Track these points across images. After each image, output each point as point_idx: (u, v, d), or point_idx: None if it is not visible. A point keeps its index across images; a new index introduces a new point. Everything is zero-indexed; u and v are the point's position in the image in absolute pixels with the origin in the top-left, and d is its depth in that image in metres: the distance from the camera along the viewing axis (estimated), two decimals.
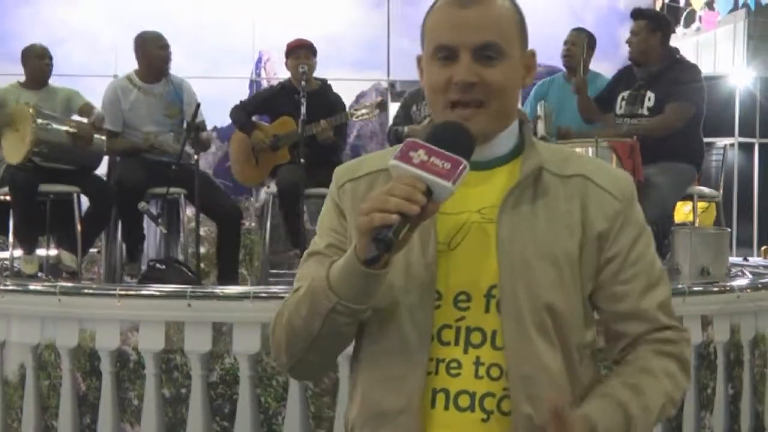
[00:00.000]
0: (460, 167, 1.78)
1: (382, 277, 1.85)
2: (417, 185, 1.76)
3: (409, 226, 1.78)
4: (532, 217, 1.98)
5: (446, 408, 1.95)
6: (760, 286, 5.34)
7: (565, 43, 7.23)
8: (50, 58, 6.98)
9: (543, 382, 1.93)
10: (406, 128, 7.05)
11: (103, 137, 6.72)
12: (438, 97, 2.00)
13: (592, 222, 2.00)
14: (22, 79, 7.01)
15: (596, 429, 1.86)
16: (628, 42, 6.53)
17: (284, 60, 7.32)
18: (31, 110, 6.37)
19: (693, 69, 6.61)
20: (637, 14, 6.63)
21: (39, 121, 6.37)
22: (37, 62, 6.92)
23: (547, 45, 7.96)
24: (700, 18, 14.28)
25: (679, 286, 5.02)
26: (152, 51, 7.01)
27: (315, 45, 7.17)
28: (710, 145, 8.27)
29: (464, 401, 1.94)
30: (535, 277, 1.95)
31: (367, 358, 2.03)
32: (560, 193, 2.01)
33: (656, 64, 6.39)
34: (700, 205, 7.73)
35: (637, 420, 1.92)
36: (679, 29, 14.38)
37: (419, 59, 2.10)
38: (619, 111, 6.41)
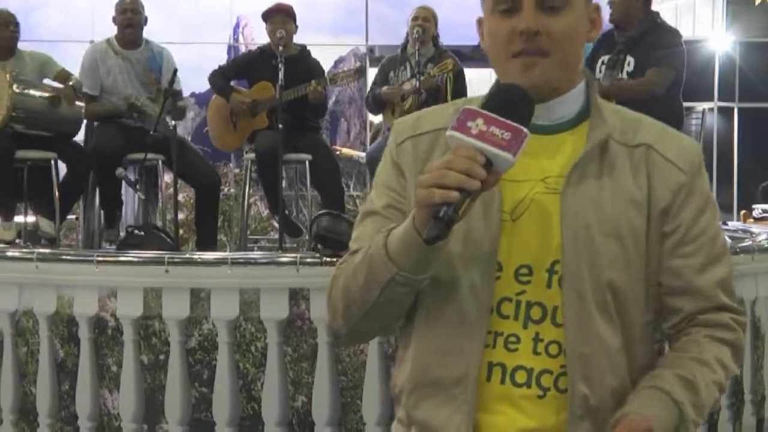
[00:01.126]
0: (521, 136, 1.71)
1: (443, 247, 1.80)
2: (476, 158, 1.70)
3: (469, 199, 1.73)
4: (598, 192, 1.92)
5: (502, 382, 1.91)
6: (738, 250, 5.34)
7: None
8: (16, 24, 6.88)
9: (601, 362, 1.90)
10: (384, 89, 7.05)
11: (82, 104, 6.68)
12: (500, 49, 1.94)
13: (657, 196, 1.95)
14: None
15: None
16: (610, 3, 6.51)
17: (262, 25, 7.29)
18: (8, 76, 6.32)
19: (674, 33, 6.60)
20: None
21: (15, 86, 6.31)
22: (3, 30, 6.79)
23: None
24: None
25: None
26: (116, 17, 6.97)
27: (294, 10, 7.14)
28: (689, 109, 8.26)
29: (521, 377, 1.91)
30: (599, 254, 1.90)
31: (422, 325, 1.98)
32: (627, 165, 1.95)
33: (637, 27, 6.38)
34: None
35: (689, 421, 1.87)
36: None
37: (480, 21, 2.03)
38: (598, 75, 6.40)
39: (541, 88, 1.91)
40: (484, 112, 1.74)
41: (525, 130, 1.72)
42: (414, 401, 1.99)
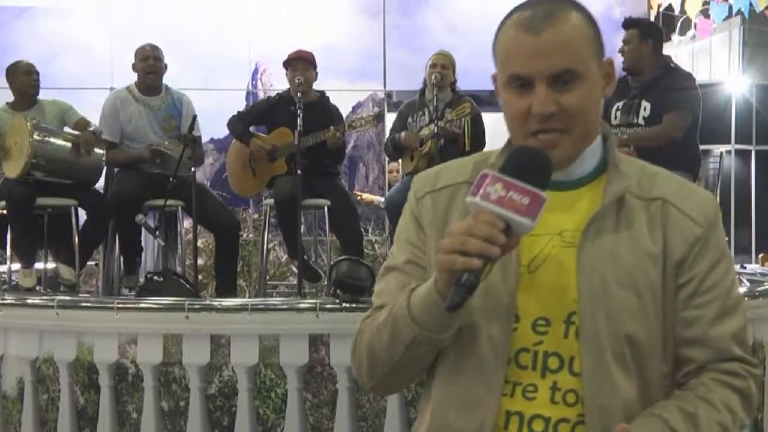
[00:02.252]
0: (540, 201, 1.73)
1: (462, 309, 1.81)
2: (496, 223, 1.73)
3: (490, 264, 1.75)
4: (615, 245, 1.93)
5: (519, 430, 1.92)
6: (757, 293, 5.33)
7: None
8: (37, 73, 6.94)
9: (618, 412, 1.89)
10: (402, 134, 7.06)
11: (102, 151, 6.72)
12: (517, 126, 1.95)
13: (673, 249, 1.96)
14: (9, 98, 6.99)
15: None
16: (621, 51, 6.54)
17: (281, 71, 7.34)
18: (29, 124, 6.37)
19: (687, 76, 6.61)
20: (628, 23, 6.64)
21: (36, 135, 6.36)
22: (26, 78, 6.86)
23: None
24: (695, 26, 14.30)
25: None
26: (136, 64, 7.03)
27: (314, 57, 7.19)
28: (707, 152, 8.25)
29: (538, 425, 1.91)
30: (616, 305, 1.91)
31: (443, 377, 2.00)
32: (643, 219, 1.97)
33: (649, 72, 6.39)
34: None
35: None
36: (675, 37, 14.41)
37: (495, 78, 2.03)
38: (614, 122, 6.41)
39: (561, 161, 1.94)
40: (503, 177, 1.76)
41: (543, 194, 1.74)
42: None
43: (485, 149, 3.98)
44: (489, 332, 1.93)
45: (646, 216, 1.97)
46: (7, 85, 6.93)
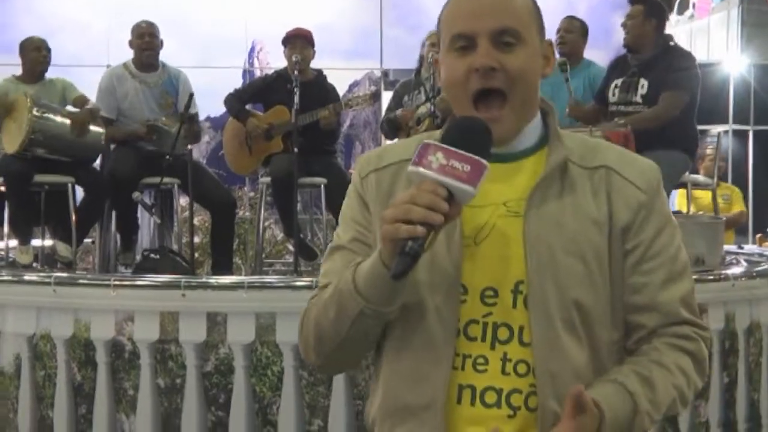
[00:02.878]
0: (481, 168, 1.76)
1: (409, 279, 1.83)
2: (438, 191, 1.74)
3: (434, 231, 1.77)
4: (560, 212, 1.95)
5: (472, 404, 1.93)
6: (755, 274, 5.34)
7: (558, 30, 7.23)
8: (48, 50, 6.96)
9: (570, 379, 1.91)
10: (398, 111, 7.05)
11: (101, 129, 6.71)
12: (459, 90, 1.98)
13: (617, 215, 1.98)
14: (17, 70, 7.00)
15: (604, 416, 1.84)
16: (623, 25, 6.52)
17: (277, 49, 7.33)
18: (28, 100, 6.36)
19: (687, 56, 6.60)
20: None
21: (35, 110, 6.36)
22: (35, 54, 6.89)
23: None
24: (694, 5, 14.28)
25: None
26: (132, 41, 7.03)
27: (312, 35, 7.18)
28: (704, 132, 8.27)
29: (491, 397, 1.92)
30: (563, 273, 1.92)
31: (391, 353, 2.01)
32: (586, 186, 1.99)
33: (650, 50, 6.38)
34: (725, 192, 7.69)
35: (643, 413, 1.89)
36: (673, 16, 14.38)
37: (436, 61, 2.08)
38: (612, 99, 6.41)
39: (503, 136, 1.96)
40: (444, 146, 1.77)
41: (484, 162, 1.76)
42: (387, 429, 2.02)
43: None
44: (436, 306, 1.94)
45: (590, 184, 2.00)
46: (9, 62, 6.94)
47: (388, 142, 9.18)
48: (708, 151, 8.57)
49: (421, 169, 1.76)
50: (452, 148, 1.77)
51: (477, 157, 1.76)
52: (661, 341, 1.99)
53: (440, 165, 1.75)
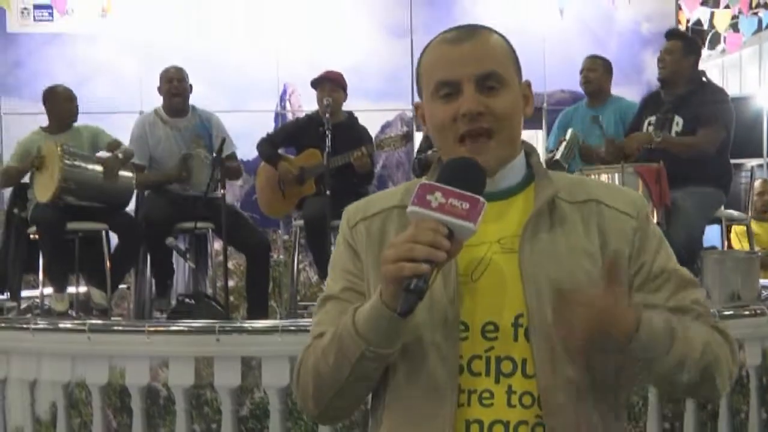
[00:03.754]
0: (479, 205, 1.79)
1: (411, 319, 1.85)
2: (439, 229, 1.77)
3: (436, 269, 1.79)
4: (552, 245, 1.99)
5: None
6: None
7: (582, 70, 7.24)
8: (76, 99, 7.01)
9: (574, 407, 1.93)
10: (429, 152, 7.05)
11: (131, 174, 6.75)
12: (446, 133, 2.02)
13: (612, 246, 2.02)
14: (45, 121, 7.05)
15: (641, 320, 1.86)
16: (660, 60, 6.51)
17: (309, 92, 7.36)
18: (59, 149, 6.40)
19: (720, 91, 6.58)
20: (672, 34, 6.64)
21: (66, 159, 6.40)
22: (66, 105, 6.93)
23: (571, 71, 7.98)
24: (725, 40, 14.24)
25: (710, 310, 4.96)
26: (161, 87, 7.08)
27: (343, 78, 7.20)
28: (738, 166, 8.22)
29: (498, 430, 1.93)
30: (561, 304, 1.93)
31: (394, 395, 2.02)
32: (577, 219, 2.03)
33: (684, 86, 6.37)
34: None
35: (680, 338, 1.90)
36: (704, 51, 14.35)
37: (417, 106, 2.13)
38: None
39: (488, 168, 1.98)
40: (441, 185, 1.81)
41: (482, 199, 1.80)
42: None
43: None
44: (436, 344, 1.96)
45: (580, 217, 2.04)
46: (40, 110, 6.99)
47: None
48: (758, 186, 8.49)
49: (421, 209, 1.79)
50: (449, 187, 1.80)
51: (474, 195, 1.80)
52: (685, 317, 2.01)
53: (439, 204, 1.78)
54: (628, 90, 8.25)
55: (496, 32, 2.08)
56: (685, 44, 6.47)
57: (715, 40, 14.50)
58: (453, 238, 1.78)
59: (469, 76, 1.98)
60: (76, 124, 7.01)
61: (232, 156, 7.04)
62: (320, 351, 1.99)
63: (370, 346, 1.89)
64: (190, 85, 7.15)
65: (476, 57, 2.00)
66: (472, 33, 2.04)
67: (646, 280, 2.03)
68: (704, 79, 6.63)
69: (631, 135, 6.34)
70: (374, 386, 2.04)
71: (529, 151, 2.13)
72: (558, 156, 6.45)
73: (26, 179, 6.78)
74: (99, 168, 6.58)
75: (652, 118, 6.39)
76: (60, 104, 6.93)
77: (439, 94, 2.02)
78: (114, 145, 6.89)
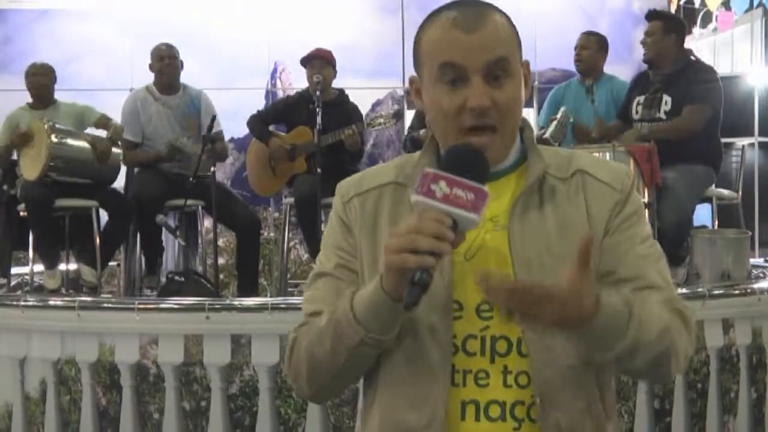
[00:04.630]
0: (483, 196, 1.76)
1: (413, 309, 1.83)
2: (443, 220, 1.74)
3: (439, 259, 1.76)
4: (542, 221, 1.97)
5: (477, 419, 1.93)
6: None
7: (576, 47, 7.22)
8: (47, 73, 6.99)
9: (568, 385, 1.92)
10: (421, 132, 7.04)
11: (119, 150, 6.74)
12: (449, 122, 1.97)
13: (596, 217, 2.00)
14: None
15: (600, 303, 1.78)
16: (643, 43, 6.53)
17: (300, 70, 7.35)
18: (46, 126, 6.39)
19: (708, 70, 6.58)
20: (652, 15, 6.62)
21: (54, 136, 6.39)
22: (41, 80, 6.92)
23: (562, 50, 7.99)
24: (716, 18, 14.22)
25: (699, 289, 4.98)
26: (153, 64, 7.06)
27: (333, 55, 7.19)
28: (729, 145, 8.19)
29: (495, 411, 1.92)
30: (552, 277, 1.89)
31: (387, 375, 2.00)
32: (564, 194, 2.01)
33: (671, 66, 6.37)
34: None
35: (637, 320, 1.84)
36: (696, 30, 14.34)
37: (413, 80, 2.08)
38: (635, 116, 6.39)
39: (491, 161, 1.94)
40: (446, 174, 1.77)
41: (486, 189, 1.77)
42: None
43: None
44: (430, 325, 1.94)
45: (567, 190, 2.02)
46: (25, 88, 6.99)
47: None
48: None
49: (426, 199, 1.75)
50: (455, 177, 1.77)
51: (479, 185, 1.77)
52: (652, 299, 1.96)
53: (444, 194, 1.75)
54: (619, 68, 8.23)
55: (498, 11, 2.01)
56: (664, 24, 6.47)
57: (707, 18, 14.49)
58: (456, 228, 1.76)
59: (478, 64, 1.92)
60: (62, 100, 7.00)
61: (220, 135, 7.01)
62: (315, 335, 1.97)
63: (369, 333, 1.87)
64: (181, 62, 7.14)
65: (485, 42, 1.93)
66: (480, 17, 1.96)
67: (617, 243, 1.99)
68: (693, 58, 6.63)
69: (624, 135, 6.35)
70: (369, 368, 2.02)
71: (523, 126, 2.09)
72: (547, 134, 6.45)
73: (13, 155, 6.77)
74: (86, 145, 6.57)
75: (641, 98, 6.40)
76: (36, 79, 6.91)
77: (443, 79, 1.96)
78: (103, 121, 6.89)
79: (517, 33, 2.03)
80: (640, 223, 2.05)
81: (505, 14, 2.02)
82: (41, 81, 6.91)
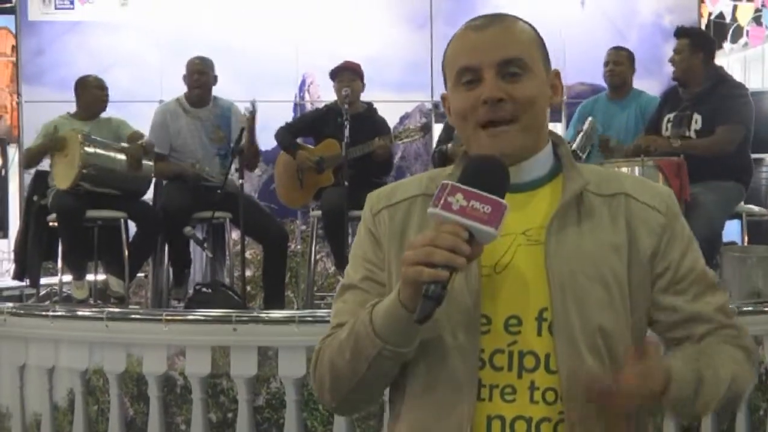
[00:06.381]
0: (501, 209, 1.75)
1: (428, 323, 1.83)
2: (460, 233, 1.74)
3: (455, 273, 1.76)
4: (579, 239, 1.96)
5: None
6: None
7: (606, 63, 7.20)
8: (107, 89, 7.05)
9: (597, 405, 1.89)
10: (449, 145, 7.04)
11: (151, 162, 6.78)
12: (467, 121, 1.99)
13: (641, 241, 1.99)
14: (71, 107, 7.08)
15: (671, 378, 1.82)
16: (671, 61, 6.49)
17: (328, 83, 7.36)
18: (79, 137, 6.44)
19: (739, 86, 6.55)
20: (680, 33, 6.59)
21: (87, 146, 6.43)
22: (97, 93, 6.99)
23: (591, 64, 7.96)
24: (747, 33, 14.16)
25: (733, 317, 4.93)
26: (186, 77, 7.10)
27: (361, 68, 7.20)
28: (759, 161, 8.17)
29: (521, 427, 1.90)
30: (586, 298, 1.92)
31: (414, 389, 1.99)
32: (604, 213, 2.00)
33: (700, 83, 6.33)
34: None
35: (707, 383, 1.88)
36: (727, 45, 14.28)
37: (444, 98, 2.10)
38: (665, 133, 6.36)
39: (510, 154, 1.96)
40: (463, 187, 1.77)
41: (504, 202, 1.76)
42: None
43: None
44: (456, 338, 1.93)
45: (608, 210, 2.00)
46: (55, 99, 7.03)
47: None
48: None
49: (442, 211, 1.76)
50: (472, 189, 1.77)
51: (497, 198, 1.76)
52: (708, 340, 1.99)
53: (461, 207, 1.75)
54: (649, 83, 8.21)
55: (522, 20, 2.04)
56: (692, 41, 6.43)
57: (738, 33, 14.43)
58: (473, 242, 1.76)
59: (490, 62, 1.95)
60: (105, 115, 7.04)
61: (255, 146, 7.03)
62: (336, 346, 1.97)
63: (387, 345, 1.87)
64: (215, 76, 7.17)
65: (498, 43, 1.96)
66: (496, 19, 2.01)
67: (672, 282, 2.00)
68: (721, 74, 6.60)
69: (652, 137, 6.32)
70: (392, 380, 2.01)
71: (557, 142, 2.10)
72: (575, 146, 6.44)
73: (45, 166, 6.82)
74: (119, 156, 6.62)
75: (671, 116, 6.36)
76: (91, 92, 6.98)
77: (461, 82, 1.99)
78: (135, 136, 6.93)
79: (539, 39, 2.05)
80: (693, 255, 2.05)
81: (528, 23, 2.05)
82: (101, 95, 6.98)
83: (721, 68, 6.70)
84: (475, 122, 1.98)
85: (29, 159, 6.94)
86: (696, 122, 6.21)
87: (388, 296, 1.88)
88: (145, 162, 6.72)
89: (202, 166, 6.88)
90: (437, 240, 1.74)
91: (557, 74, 2.08)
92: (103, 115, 7.08)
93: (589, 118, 6.79)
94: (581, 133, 6.62)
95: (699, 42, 6.47)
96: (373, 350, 1.88)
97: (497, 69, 1.95)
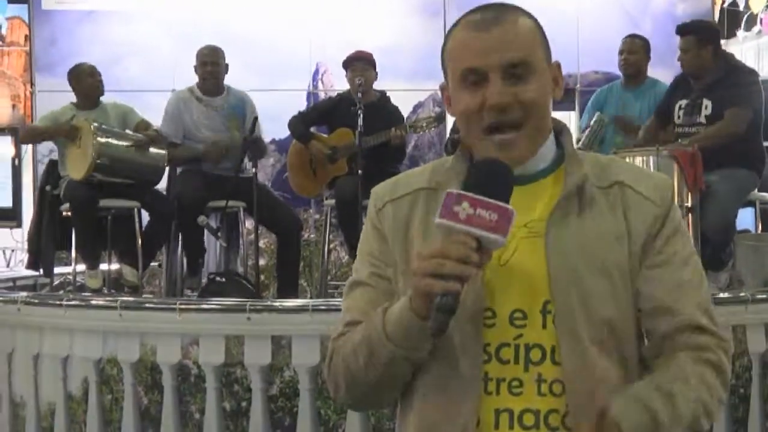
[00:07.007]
0: (508, 215, 1.75)
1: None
2: (469, 243, 1.75)
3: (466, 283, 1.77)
4: (580, 230, 1.95)
5: (511, 427, 1.91)
6: None
7: (621, 52, 7.18)
8: (100, 75, 7.06)
9: (603, 395, 1.88)
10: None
11: (163, 151, 6.78)
12: (472, 124, 1.98)
13: (635, 231, 1.98)
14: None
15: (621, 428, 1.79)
16: (679, 59, 6.46)
17: (341, 72, 7.36)
18: (92, 127, 6.45)
19: (749, 72, 6.52)
20: (683, 30, 6.52)
21: (100, 137, 6.44)
22: (90, 80, 7.00)
23: (605, 52, 7.93)
24: (761, 20, 14.10)
25: (742, 294, 4.93)
26: (197, 67, 7.10)
27: (374, 57, 7.20)
28: None
29: (529, 419, 1.90)
30: (589, 290, 1.92)
31: (421, 384, 2.00)
32: (603, 203, 1.99)
33: (712, 75, 6.31)
34: None
35: (664, 429, 1.84)
36: (740, 33, 14.22)
37: (443, 88, 2.09)
38: (677, 120, 6.35)
39: (519, 160, 1.97)
40: (469, 194, 1.76)
41: (510, 208, 1.76)
42: None
43: None
44: (461, 332, 1.92)
45: (606, 201, 2.00)
46: (70, 88, 7.04)
47: None
48: None
49: (450, 222, 1.75)
50: (477, 197, 1.76)
51: (503, 204, 1.76)
52: (683, 354, 1.94)
53: (467, 215, 1.74)
54: (662, 72, 8.16)
55: (523, 12, 2.02)
56: (698, 37, 6.38)
57: (751, 21, 14.37)
58: (481, 249, 1.76)
59: (496, 65, 1.93)
60: (105, 101, 7.07)
61: (259, 139, 7.03)
62: (350, 349, 1.97)
63: (399, 349, 1.89)
64: (226, 65, 7.17)
65: (504, 44, 1.94)
66: (498, 17, 1.98)
67: (653, 265, 1.98)
68: (732, 62, 6.58)
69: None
70: (408, 380, 2.01)
71: (559, 129, 2.09)
72: (581, 144, 6.44)
73: (54, 156, 6.85)
74: (132, 144, 6.63)
75: (683, 102, 6.36)
76: (83, 80, 6.98)
77: (465, 83, 1.97)
78: (143, 126, 6.94)
79: (542, 33, 2.03)
80: (681, 242, 2.03)
81: (529, 14, 2.03)
82: (92, 82, 6.99)
83: (732, 56, 6.68)
84: (480, 126, 1.97)
85: (29, 136, 7.09)
86: (706, 108, 6.20)
87: (399, 302, 1.89)
88: (157, 150, 6.73)
89: (222, 145, 6.87)
90: (446, 251, 1.75)
91: (558, 66, 2.07)
92: (106, 100, 7.10)
93: (597, 114, 6.79)
94: (588, 130, 6.61)
95: (705, 36, 6.43)
96: (387, 355, 1.90)
97: (503, 72, 1.94)
